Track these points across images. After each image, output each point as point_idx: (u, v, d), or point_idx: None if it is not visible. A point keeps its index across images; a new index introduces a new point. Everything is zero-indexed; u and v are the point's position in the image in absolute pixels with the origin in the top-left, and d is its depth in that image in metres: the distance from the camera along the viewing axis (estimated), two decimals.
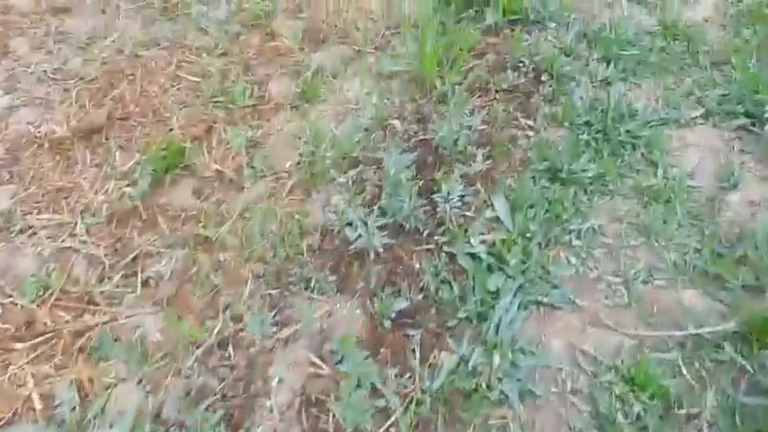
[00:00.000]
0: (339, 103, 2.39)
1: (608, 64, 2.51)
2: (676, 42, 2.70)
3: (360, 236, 1.75)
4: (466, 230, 1.84)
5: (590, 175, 2.05)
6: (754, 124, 2.27)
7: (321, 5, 2.90)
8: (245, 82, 2.47)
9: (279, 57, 2.62)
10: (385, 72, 2.47)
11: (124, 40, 2.65)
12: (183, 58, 2.60)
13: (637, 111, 2.32)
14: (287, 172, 2.12)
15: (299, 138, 2.22)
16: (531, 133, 2.21)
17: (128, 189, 2.02)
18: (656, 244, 1.89)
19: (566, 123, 2.25)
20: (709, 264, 1.81)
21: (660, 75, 2.54)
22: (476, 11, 2.71)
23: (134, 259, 1.83)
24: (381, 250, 1.77)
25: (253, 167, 2.12)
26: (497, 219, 1.88)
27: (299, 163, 2.13)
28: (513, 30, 2.66)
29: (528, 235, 1.84)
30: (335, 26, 2.78)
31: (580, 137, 2.20)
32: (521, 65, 2.45)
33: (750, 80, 2.37)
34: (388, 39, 2.73)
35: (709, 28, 2.83)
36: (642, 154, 2.18)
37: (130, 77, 2.47)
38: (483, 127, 2.15)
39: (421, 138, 2.12)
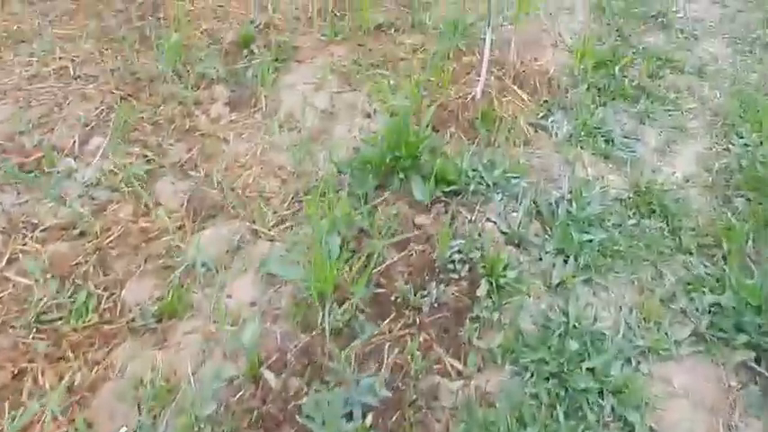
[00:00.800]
0: (210, 320, 1.80)
1: (566, 258, 1.95)
2: (652, 217, 2.16)
3: None
4: None
5: None
6: (758, 361, 1.70)
7: (218, 158, 2.35)
8: (94, 286, 1.88)
9: (148, 242, 2.04)
10: (276, 277, 1.89)
11: None
12: (21, 246, 2.00)
13: (604, 335, 1.75)
14: None
15: (144, 386, 1.62)
16: (458, 384, 1.61)
17: None
18: None
19: (507, 364, 1.66)
20: None
21: (633, 268, 1.98)
22: (401, 179, 2.16)
23: None
24: None
25: None
26: None
27: None
28: (447, 206, 2.11)
29: None
30: (231, 190, 2.22)
31: (527, 388, 1.61)
32: (451, 267, 1.87)
33: (750, 292, 1.81)
34: (294, 210, 2.17)
35: (692, 192, 2.30)
36: (612, 409, 1.59)
37: None
38: (388, 394, 1.53)
39: (300, 404, 1.51)
